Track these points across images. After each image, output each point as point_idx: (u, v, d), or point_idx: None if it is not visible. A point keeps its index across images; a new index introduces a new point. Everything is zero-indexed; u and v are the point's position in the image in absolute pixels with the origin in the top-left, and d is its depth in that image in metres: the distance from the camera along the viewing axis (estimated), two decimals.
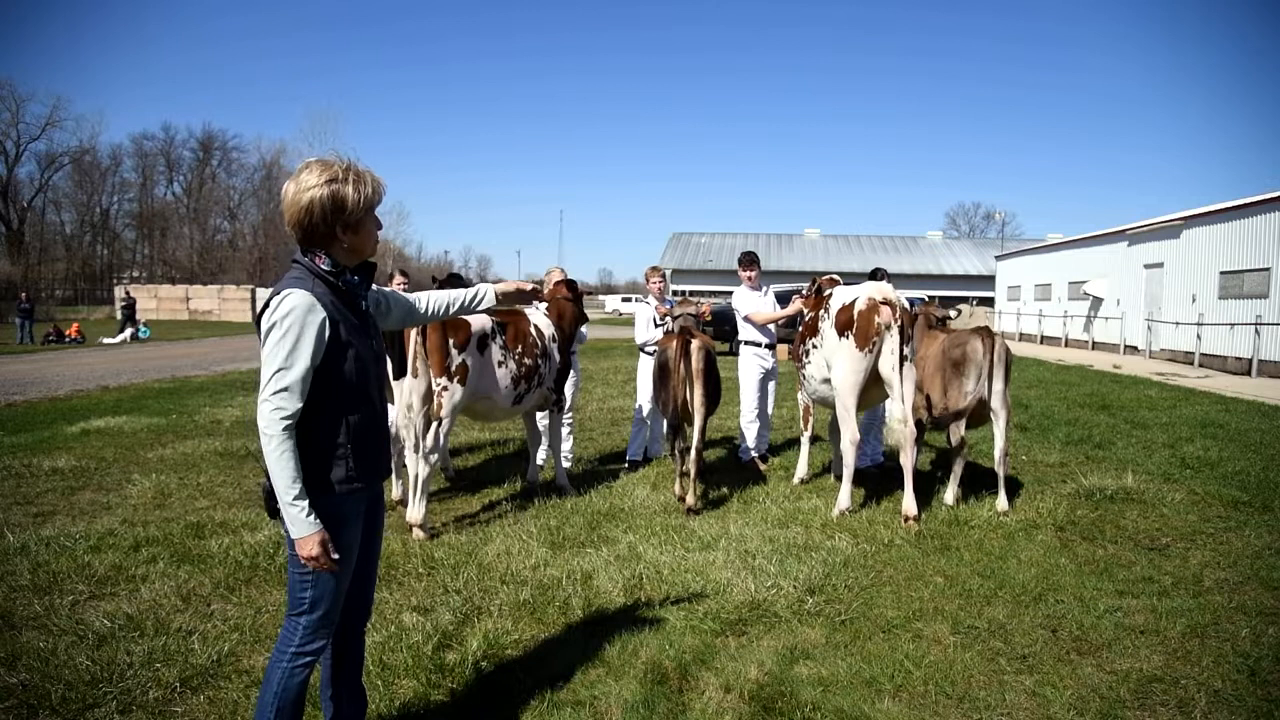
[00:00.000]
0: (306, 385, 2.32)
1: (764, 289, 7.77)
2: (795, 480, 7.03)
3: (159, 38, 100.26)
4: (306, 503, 2.30)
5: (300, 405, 2.30)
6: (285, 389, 2.28)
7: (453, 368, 5.52)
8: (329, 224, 2.38)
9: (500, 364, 5.87)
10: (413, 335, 5.47)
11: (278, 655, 2.47)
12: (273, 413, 2.27)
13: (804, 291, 7.54)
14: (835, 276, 7.16)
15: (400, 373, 5.94)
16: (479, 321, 5.71)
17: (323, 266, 2.41)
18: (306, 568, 2.36)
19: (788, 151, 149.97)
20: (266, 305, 2.35)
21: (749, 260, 7.70)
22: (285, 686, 2.45)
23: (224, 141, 68.97)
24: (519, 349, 6.02)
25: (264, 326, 2.33)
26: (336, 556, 2.37)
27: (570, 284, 6.87)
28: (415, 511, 5.35)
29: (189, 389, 13.74)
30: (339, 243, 2.43)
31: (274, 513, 2.38)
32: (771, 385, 7.82)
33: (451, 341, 5.51)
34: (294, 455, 2.28)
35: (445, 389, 5.52)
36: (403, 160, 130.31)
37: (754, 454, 7.72)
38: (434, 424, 5.57)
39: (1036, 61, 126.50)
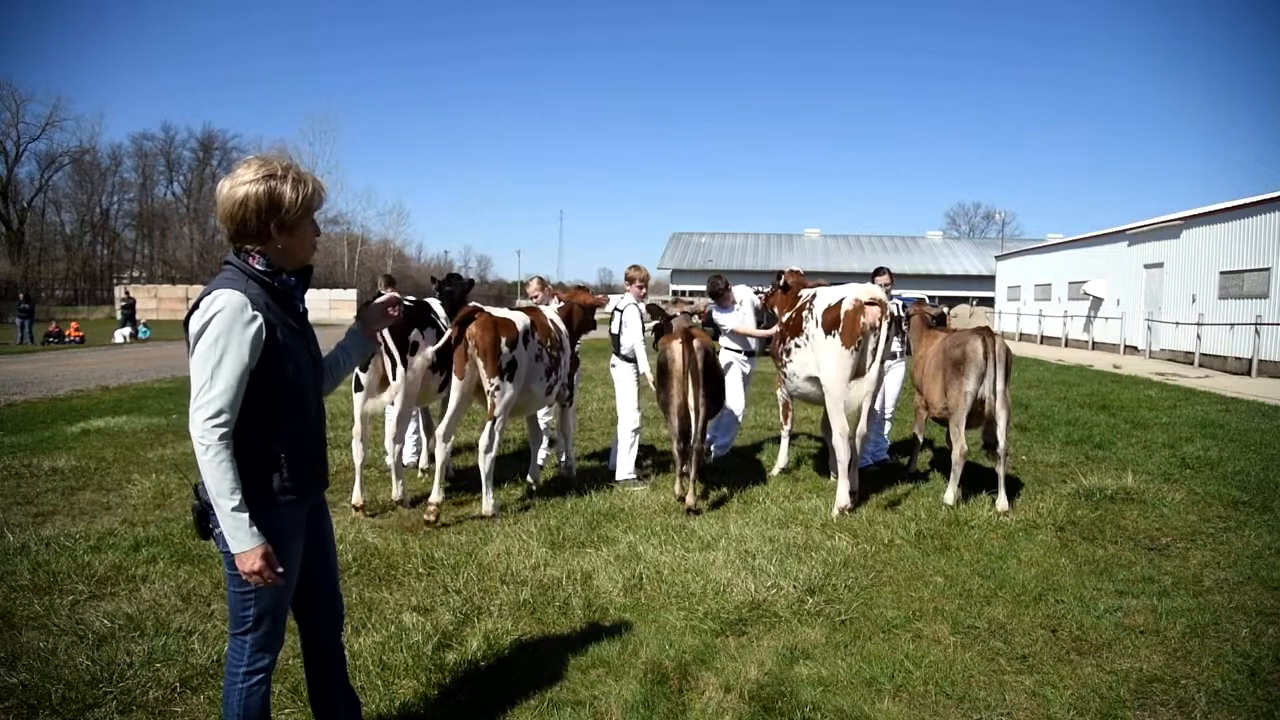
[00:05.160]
0: (242, 391, 2.21)
1: (741, 302, 7.94)
2: (775, 470, 7.34)
3: (159, 38, 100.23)
4: (248, 515, 2.18)
5: (235, 412, 2.19)
6: (220, 395, 2.16)
7: (504, 365, 5.73)
8: (262, 221, 2.28)
9: (537, 357, 6.13)
10: (454, 335, 5.72)
11: (230, 678, 2.39)
12: (206, 421, 2.15)
13: (760, 292, 7.97)
14: (797, 268, 7.57)
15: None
16: (520, 319, 5.98)
17: (256, 267, 2.30)
18: (248, 584, 2.26)
19: (788, 151, 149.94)
20: (196, 306, 2.22)
21: (714, 293, 7.91)
22: (246, 707, 2.38)
23: (224, 141, 68.91)
24: (547, 342, 6.28)
25: (193, 329, 2.20)
26: (281, 570, 2.27)
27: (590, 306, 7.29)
28: (487, 503, 5.85)
29: (189, 389, 13.72)
30: (273, 243, 2.32)
31: (207, 534, 2.29)
32: (747, 388, 8.20)
33: (504, 340, 5.72)
34: (233, 465, 2.17)
35: (498, 388, 5.72)
36: (403, 160, 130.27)
37: (719, 452, 8.02)
38: (489, 422, 5.82)
39: (1036, 61, 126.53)
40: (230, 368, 2.18)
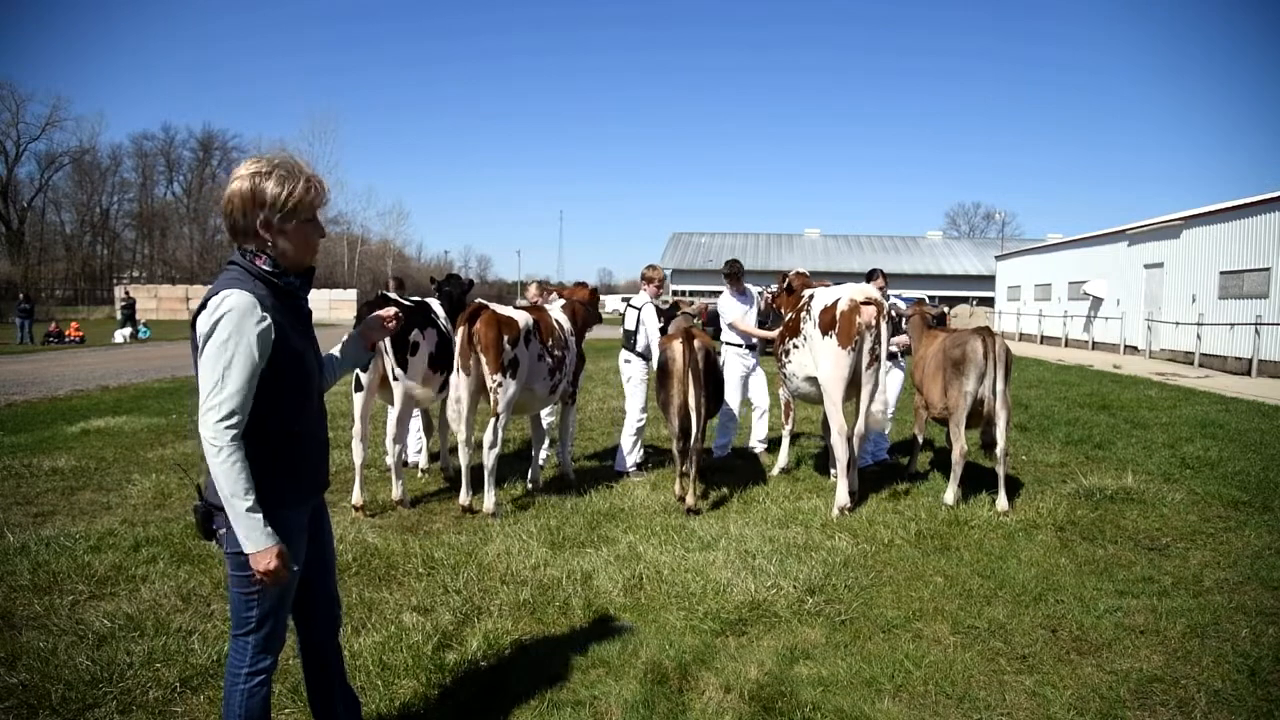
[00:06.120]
0: (253, 391, 2.18)
1: (748, 295, 8.08)
2: (775, 470, 7.34)
3: (159, 38, 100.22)
4: (262, 515, 2.16)
5: (246, 413, 2.17)
6: (231, 396, 2.14)
7: (506, 362, 5.73)
8: (248, 219, 2.24)
9: (540, 357, 6.13)
10: (460, 332, 5.73)
11: (232, 679, 2.38)
12: (219, 423, 2.13)
13: (765, 293, 8.05)
14: (802, 270, 7.63)
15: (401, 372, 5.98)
16: (522, 318, 5.98)
17: (263, 267, 2.27)
18: (252, 585, 2.26)
19: (788, 151, 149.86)
20: (204, 306, 2.19)
21: (732, 274, 8.01)
22: (248, 708, 2.38)
23: (224, 141, 69.02)
24: (550, 341, 6.28)
25: (202, 329, 2.17)
26: (296, 567, 2.26)
27: (593, 291, 7.40)
28: (488, 501, 5.85)
29: (189, 389, 13.73)
30: (263, 241, 2.27)
31: (209, 534, 2.26)
32: (754, 380, 8.21)
33: (506, 337, 5.72)
34: (245, 465, 2.15)
35: (500, 385, 5.72)
36: (403, 160, 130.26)
37: (719, 452, 8.03)
38: (493, 419, 5.83)
39: (1036, 61, 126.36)
40: (241, 368, 2.15)
